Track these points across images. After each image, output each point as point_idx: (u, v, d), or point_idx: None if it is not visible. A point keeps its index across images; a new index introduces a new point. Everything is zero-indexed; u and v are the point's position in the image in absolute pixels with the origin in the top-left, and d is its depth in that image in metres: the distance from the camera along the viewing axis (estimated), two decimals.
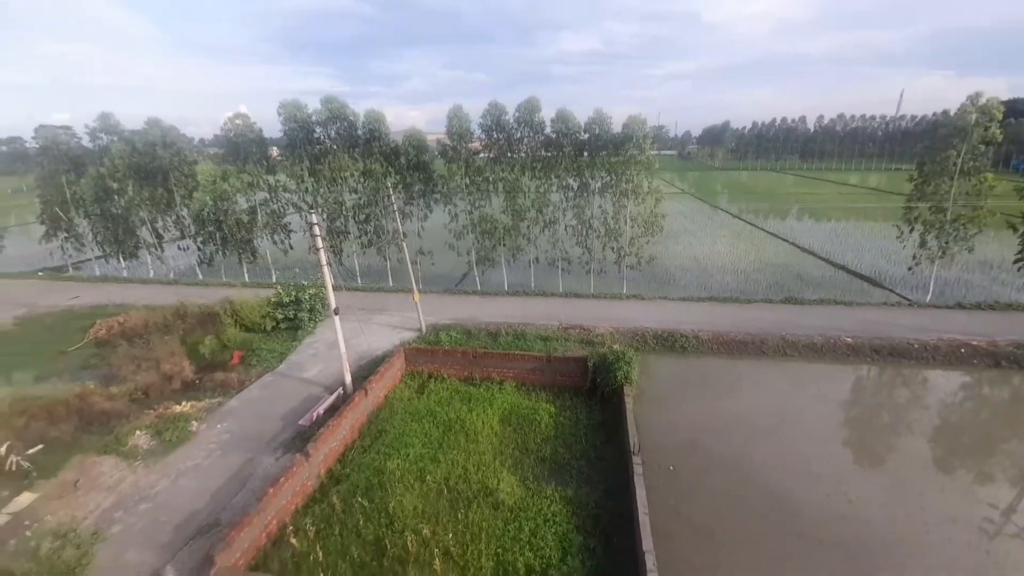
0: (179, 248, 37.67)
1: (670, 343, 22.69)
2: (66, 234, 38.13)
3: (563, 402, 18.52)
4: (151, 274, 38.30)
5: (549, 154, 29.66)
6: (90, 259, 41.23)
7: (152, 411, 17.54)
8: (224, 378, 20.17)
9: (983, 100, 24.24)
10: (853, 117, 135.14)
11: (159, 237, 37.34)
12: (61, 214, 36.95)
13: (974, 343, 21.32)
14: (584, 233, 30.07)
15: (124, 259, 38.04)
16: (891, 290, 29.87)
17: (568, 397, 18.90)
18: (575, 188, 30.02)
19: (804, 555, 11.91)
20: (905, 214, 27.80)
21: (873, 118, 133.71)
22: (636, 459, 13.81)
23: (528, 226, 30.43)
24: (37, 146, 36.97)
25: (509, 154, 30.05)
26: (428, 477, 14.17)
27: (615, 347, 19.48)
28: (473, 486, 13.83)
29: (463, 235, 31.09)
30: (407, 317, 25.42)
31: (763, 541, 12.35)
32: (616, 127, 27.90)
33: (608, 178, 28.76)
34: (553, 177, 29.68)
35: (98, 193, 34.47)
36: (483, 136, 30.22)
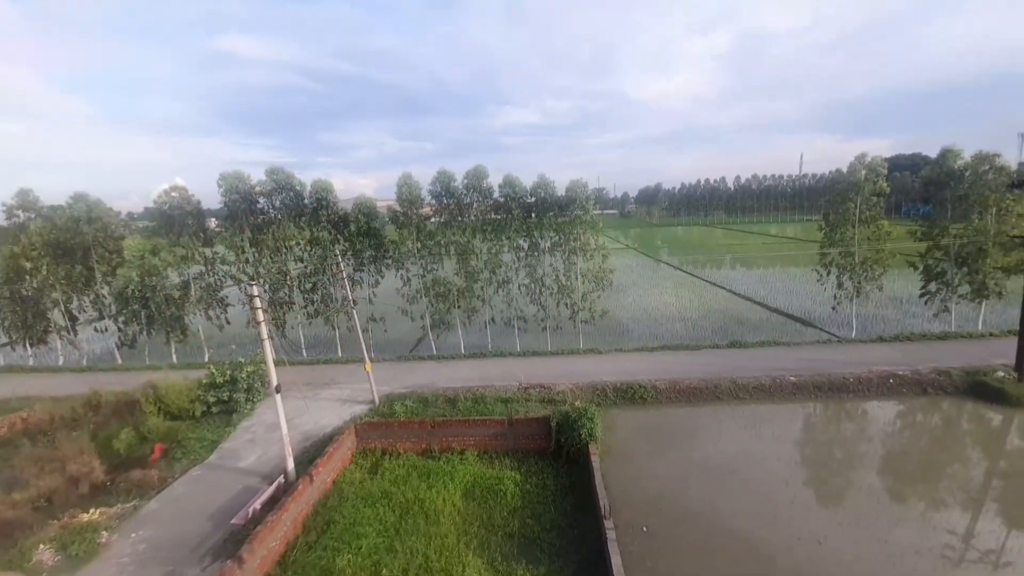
0: (96, 330, 34.04)
1: (630, 395, 22.72)
2: None
3: (528, 467, 17.66)
4: (60, 361, 34.10)
5: (499, 217, 30.65)
6: None
7: (56, 521, 14.92)
8: (142, 476, 17.57)
9: (868, 159, 28.28)
10: (765, 177, 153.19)
11: (73, 319, 33.70)
12: None
13: (900, 372, 23.04)
14: (537, 291, 30.58)
15: (31, 346, 33.79)
16: (821, 328, 32.21)
17: (533, 461, 18.08)
18: (526, 248, 30.91)
19: None
20: (820, 259, 30.85)
21: (781, 177, 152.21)
22: (608, 523, 13.14)
23: (482, 287, 30.56)
24: None
25: (460, 218, 30.75)
26: (384, 571, 12.63)
27: (577, 404, 19.19)
28: None
29: (416, 299, 30.63)
30: (358, 389, 23.94)
31: None
32: (560, 190, 29.56)
33: (556, 237, 29.95)
34: (504, 238, 30.48)
35: (9, 274, 31.16)
36: (433, 202, 30.91)
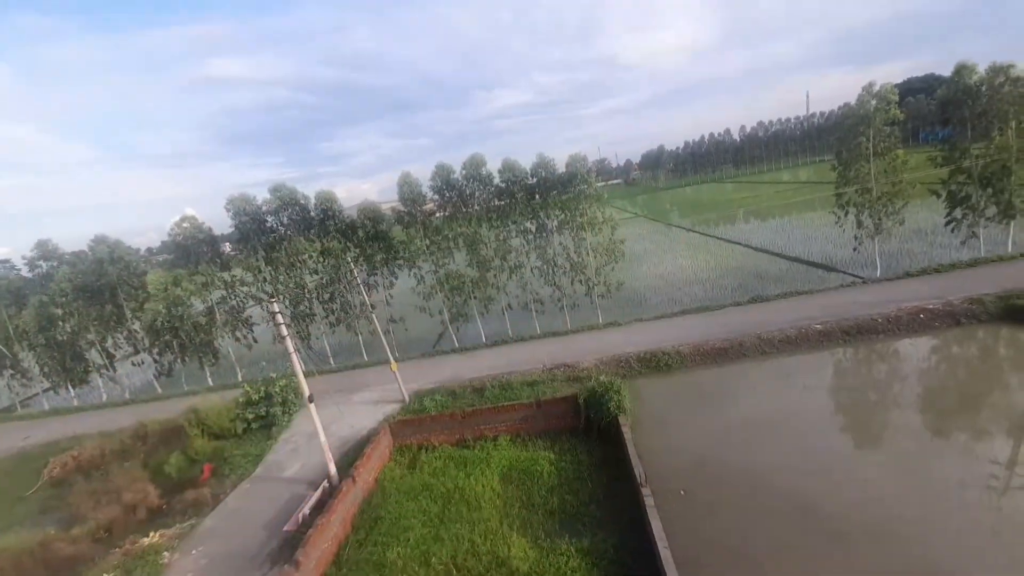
0: (133, 364, 35.52)
1: (654, 364, 22.69)
2: (11, 371, 35.49)
3: (561, 446, 17.92)
4: (104, 398, 35.72)
5: (502, 202, 30.52)
6: (37, 393, 38.23)
7: (118, 549, 15.79)
8: (195, 496, 18.47)
9: (877, 87, 26.98)
10: (771, 122, 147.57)
11: (110, 357, 35.20)
12: (4, 350, 34.52)
13: (930, 307, 22.38)
14: (550, 271, 30.50)
15: (73, 387, 35.49)
16: (844, 272, 31.38)
17: (565, 440, 18.32)
18: (533, 230, 30.76)
19: (833, 550, 11.54)
20: (837, 200, 29.83)
21: (788, 120, 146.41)
22: (645, 491, 13.31)
23: (495, 275, 30.62)
24: None
25: (464, 209, 30.74)
26: (433, 559, 13.12)
27: (602, 378, 19.25)
28: (483, 559, 12.86)
29: (432, 295, 30.93)
30: (388, 390, 24.49)
31: (789, 545, 11.93)
32: (561, 168, 29.22)
33: (563, 215, 29.66)
34: (510, 223, 30.39)
35: (42, 322, 32.61)
36: (436, 197, 30.94)
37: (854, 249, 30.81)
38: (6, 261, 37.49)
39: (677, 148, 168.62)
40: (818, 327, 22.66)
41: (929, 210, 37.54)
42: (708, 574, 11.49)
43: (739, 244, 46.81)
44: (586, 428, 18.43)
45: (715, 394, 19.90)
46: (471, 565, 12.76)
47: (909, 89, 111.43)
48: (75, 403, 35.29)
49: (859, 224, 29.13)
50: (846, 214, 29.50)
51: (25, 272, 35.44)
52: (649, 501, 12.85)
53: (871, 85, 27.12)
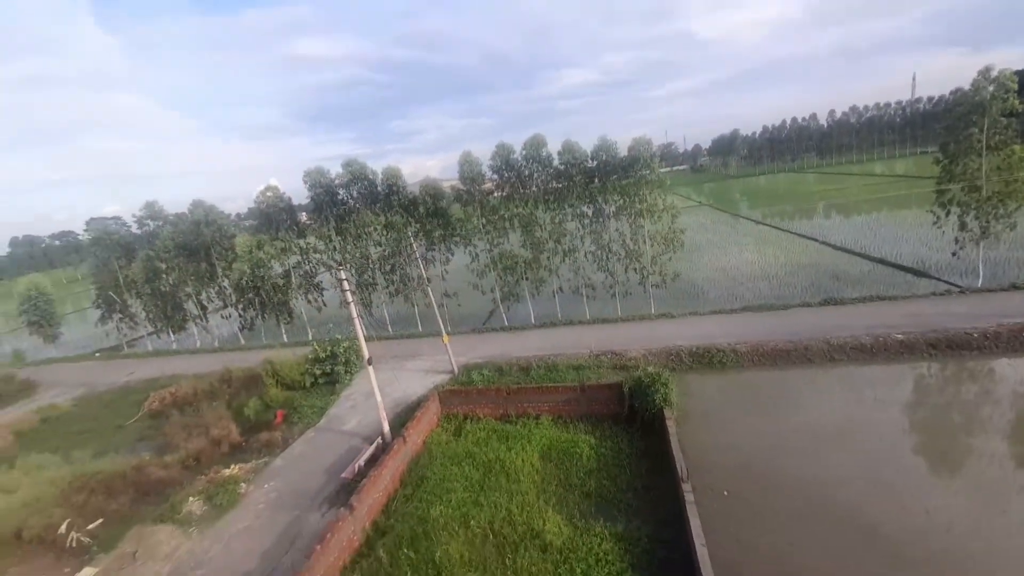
0: (222, 317, 39.79)
1: (707, 360, 21.98)
2: (120, 315, 41.01)
3: (602, 432, 18.05)
4: (198, 344, 40.42)
5: (560, 185, 30.28)
6: (142, 336, 44.01)
7: (203, 476, 18.12)
8: (269, 438, 20.74)
9: (995, 73, 23.51)
10: (867, 107, 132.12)
11: (204, 308, 39.66)
12: (115, 297, 39.91)
13: None
14: (604, 257, 30.08)
15: (173, 332, 40.41)
16: (938, 278, 28.22)
17: (607, 426, 18.42)
18: (590, 215, 30.36)
19: (888, 575, 10.90)
20: (938, 197, 26.60)
21: (888, 105, 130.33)
22: (686, 486, 13.19)
23: (548, 257, 30.71)
24: (89, 237, 40.63)
25: (521, 190, 30.86)
26: (472, 522, 13.93)
27: (649, 369, 19.00)
28: (519, 529, 13.48)
29: (485, 273, 31.65)
30: (439, 360, 25.71)
31: (839, 564, 11.40)
32: (623, 151, 28.38)
33: (621, 201, 28.96)
34: (567, 206, 30.17)
35: (148, 274, 37.29)
36: (495, 176, 31.27)
37: (953, 254, 27.50)
38: (118, 218, 42.95)
39: (753, 133, 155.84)
40: (899, 337, 20.77)
41: None
42: None
43: (815, 240, 43.28)
44: (629, 417, 18.38)
45: (771, 397, 19.01)
46: (507, 532, 13.43)
47: None
48: (174, 347, 40.26)
49: (962, 226, 25.89)
50: (947, 214, 26.28)
51: (135, 229, 40.41)
52: (689, 497, 12.74)
53: (988, 69, 23.64)
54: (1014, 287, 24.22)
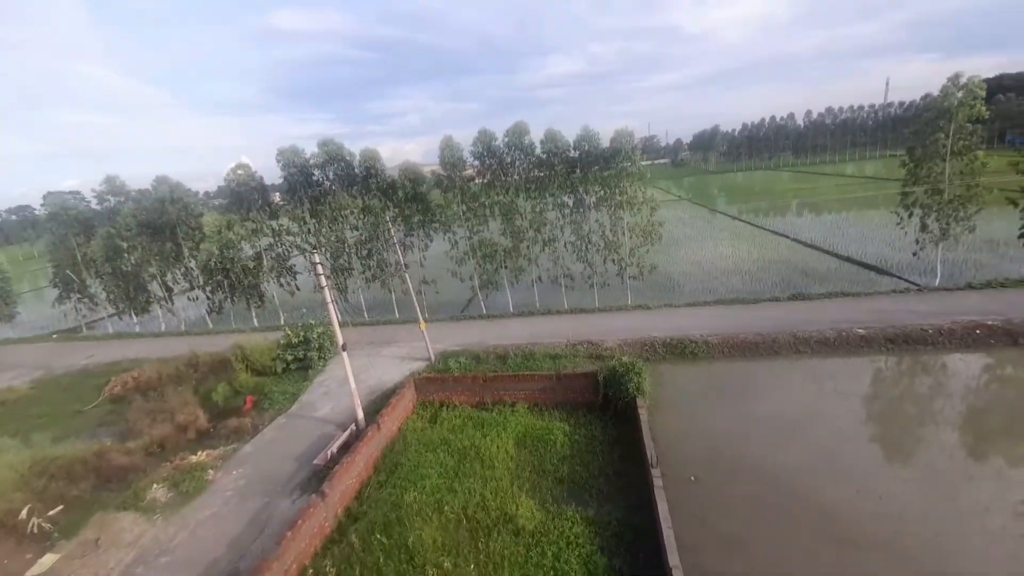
0: (189, 299, 38.31)
1: (680, 350, 22.49)
2: (79, 295, 39.03)
3: (576, 420, 18.33)
4: (163, 327, 38.90)
5: (542, 174, 30.16)
6: (103, 318, 42.03)
7: (168, 463, 17.60)
8: (238, 424, 20.24)
9: (963, 80, 24.44)
10: (842, 109, 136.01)
11: (169, 290, 38.07)
12: (73, 276, 37.93)
13: (989, 323, 20.90)
14: (584, 248, 30.25)
15: (136, 315, 38.75)
16: (899, 277, 29.53)
17: (581, 414, 18.71)
18: (570, 205, 30.40)
19: (840, 559, 11.49)
20: (902, 199, 27.71)
21: (862, 108, 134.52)
22: (655, 472, 13.56)
23: (528, 246, 30.69)
24: (46, 213, 38.34)
25: (503, 177, 30.59)
26: (446, 508, 13.99)
27: (624, 359, 19.32)
28: (492, 514, 13.61)
29: (464, 261, 31.41)
30: (415, 347, 25.50)
31: (795, 547, 11.97)
32: (605, 142, 28.40)
33: (602, 192, 29.08)
34: (548, 196, 30.11)
35: (108, 253, 35.44)
36: (476, 163, 30.88)
37: (914, 254, 28.79)
38: (76, 192, 40.54)
39: (733, 130, 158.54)
40: (860, 331, 21.69)
41: (1005, 219, 34.25)
42: (708, 559, 11.72)
43: (786, 237, 44.59)
44: (603, 406, 18.71)
45: (740, 388, 19.63)
46: (480, 517, 13.56)
47: (1000, 86, 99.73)
48: (137, 329, 38.64)
49: (924, 227, 27.10)
50: (910, 215, 27.46)
51: (94, 205, 38.28)
52: (658, 482, 13.11)
53: (957, 76, 24.57)
54: (969, 287, 25.59)
